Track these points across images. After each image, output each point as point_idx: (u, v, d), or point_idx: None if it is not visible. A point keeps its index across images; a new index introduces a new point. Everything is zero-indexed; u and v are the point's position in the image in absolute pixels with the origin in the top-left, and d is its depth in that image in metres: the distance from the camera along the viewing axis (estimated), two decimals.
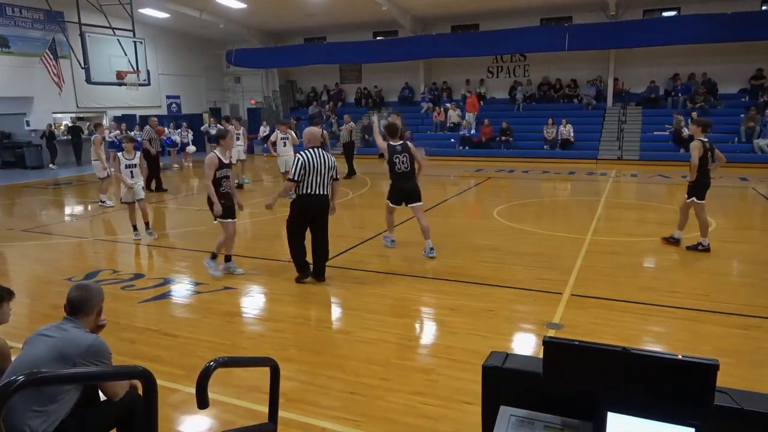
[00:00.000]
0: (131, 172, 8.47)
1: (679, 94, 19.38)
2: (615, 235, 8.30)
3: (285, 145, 12.11)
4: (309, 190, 5.97)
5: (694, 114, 17.65)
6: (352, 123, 16.39)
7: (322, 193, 6.03)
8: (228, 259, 6.68)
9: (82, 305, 2.70)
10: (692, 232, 7.55)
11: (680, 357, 1.51)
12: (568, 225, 9.18)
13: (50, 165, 19.54)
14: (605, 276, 6.34)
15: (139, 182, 8.60)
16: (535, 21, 21.13)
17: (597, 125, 19.90)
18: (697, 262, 6.90)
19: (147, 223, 8.64)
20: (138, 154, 8.81)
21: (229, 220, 6.44)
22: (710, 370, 1.48)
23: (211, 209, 6.36)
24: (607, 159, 18.34)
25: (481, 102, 22.36)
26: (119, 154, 8.52)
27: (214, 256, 6.57)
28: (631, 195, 13.16)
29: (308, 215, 6.08)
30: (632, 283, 6.11)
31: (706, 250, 7.21)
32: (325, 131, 12.74)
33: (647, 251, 7.51)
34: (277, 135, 12.36)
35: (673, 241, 7.58)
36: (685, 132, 17.31)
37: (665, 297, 5.58)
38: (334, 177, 6.16)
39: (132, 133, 17.61)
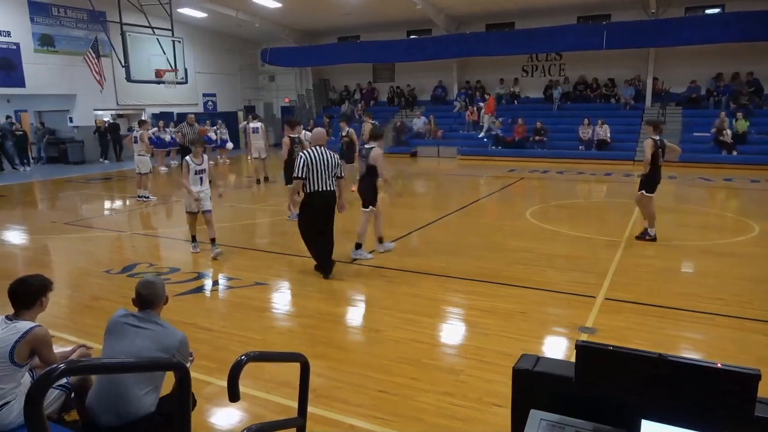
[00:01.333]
0: (200, 178, 7.33)
1: (722, 94, 18.77)
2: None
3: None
4: (314, 188, 6.13)
5: (739, 114, 17.10)
6: (371, 122, 14.17)
7: (327, 189, 6.18)
8: (380, 240, 7.44)
9: (152, 299, 2.95)
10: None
11: (719, 365, 1.47)
12: (603, 227, 8.99)
13: (101, 159, 20.48)
14: (641, 280, 6.18)
15: (208, 190, 7.48)
16: (572, 19, 20.74)
17: (635, 126, 19.42)
18: (740, 268, 6.67)
19: (213, 240, 7.41)
20: (206, 158, 7.56)
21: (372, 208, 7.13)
22: (751, 379, 1.43)
23: (370, 196, 7.05)
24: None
25: (515, 101, 22.13)
26: (187, 158, 7.36)
27: (358, 246, 7.06)
28: (670, 198, 12.79)
29: (317, 212, 6.23)
30: (669, 288, 5.95)
31: (653, 239, 7.70)
32: (352, 130, 12.79)
33: (686, 256, 7.30)
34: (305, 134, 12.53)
35: (649, 238, 7.75)
36: (728, 134, 16.76)
37: (705, 303, 5.42)
38: (339, 175, 6.29)
39: (169, 129, 18.10)
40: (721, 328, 4.90)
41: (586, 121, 18.98)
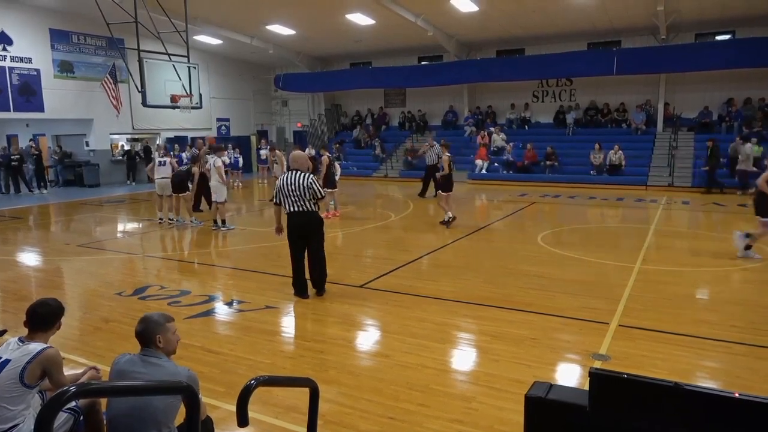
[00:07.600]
0: None
1: (734, 120, 18.69)
2: (666, 264, 7.99)
3: None
4: (287, 209, 6.41)
5: (754, 140, 16.97)
6: (438, 146, 15.06)
7: (300, 210, 6.35)
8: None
9: (147, 335, 2.80)
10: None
11: (737, 395, 1.44)
12: (616, 253, 8.91)
13: (128, 182, 21.33)
14: (655, 306, 6.09)
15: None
16: (582, 45, 20.91)
17: (647, 150, 19.38)
18: (756, 295, 6.56)
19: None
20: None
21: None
22: None
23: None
24: (657, 185, 17.80)
25: (526, 126, 22.21)
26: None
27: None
28: (683, 223, 12.70)
29: (294, 232, 6.44)
30: (685, 314, 5.86)
31: (453, 219, 11.07)
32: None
33: (701, 282, 7.20)
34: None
35: (445, 222, 11.03)
36: (742, 155, 16.59)
37: (721, 330, 5.32)
38: (315, 196, 6.36)
39: (185, 153, 18.34)
40: (738, 356, 4.80)
41: (597, 146, 18.95)
